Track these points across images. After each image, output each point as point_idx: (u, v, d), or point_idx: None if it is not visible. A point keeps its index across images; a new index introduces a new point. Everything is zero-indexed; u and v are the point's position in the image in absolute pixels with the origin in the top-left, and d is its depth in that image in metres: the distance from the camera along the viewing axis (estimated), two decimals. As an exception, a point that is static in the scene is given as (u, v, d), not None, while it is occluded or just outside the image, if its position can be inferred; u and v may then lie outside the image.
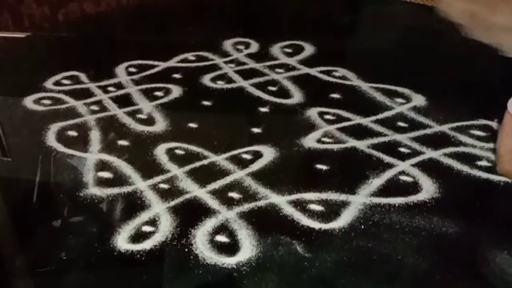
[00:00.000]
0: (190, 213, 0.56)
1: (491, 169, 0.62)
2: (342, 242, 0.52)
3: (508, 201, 0.58)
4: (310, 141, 0.68)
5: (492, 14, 0.78)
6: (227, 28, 0.99)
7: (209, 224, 0.55)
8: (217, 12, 1.09)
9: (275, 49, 0.90)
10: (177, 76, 0.83)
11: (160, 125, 0.71)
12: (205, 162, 0.64)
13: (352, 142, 0.67)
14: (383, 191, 0.59)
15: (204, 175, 0.61)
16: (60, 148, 0.67)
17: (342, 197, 0.58)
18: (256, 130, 0.70)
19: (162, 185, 0.60)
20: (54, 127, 0.71)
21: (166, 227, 0.54)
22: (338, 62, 0.83)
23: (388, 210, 0.56)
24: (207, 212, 0.56)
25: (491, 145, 0.66)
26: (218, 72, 0.84)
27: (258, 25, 1.03)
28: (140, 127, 0.71)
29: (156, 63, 0.87)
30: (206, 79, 0.82)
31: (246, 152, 0.66)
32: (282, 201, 0.58)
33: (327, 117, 0.72)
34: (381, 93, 0.77)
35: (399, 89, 0.78)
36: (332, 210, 0.56)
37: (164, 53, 0.89)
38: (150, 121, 0.72)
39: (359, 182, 0.60)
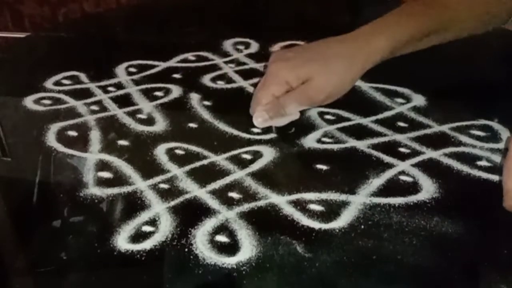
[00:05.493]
0: (190, 213, 0.56)
1: (491, 169, 0.62)
2: (342, 242, 0.52)
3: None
4: (310, 141, 0.68)
5: None
6: (227, 28, 0.99)
7: (209, 224, 0.55)
8: (217, 12, 1.09)
9: (275, 49, 0.90)
10: (177, 76, 0.83)
11: (160, 125, 0.71)
12: (205, 162, 0.64)
13: (352, 142, 0.67)
14: (383, 191, 0.59)
15: (204, 175, 0.61)
16: (60, 148, 0.67)
17: (342, 197, 0.58)
18: (256, 130, 0.70)
19: (162, 185, 0.60)
20: (54, 127, 0.71)
21: (166, 227, 0.54)
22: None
23: (388, 210, 0.56)
24: (207, 212, 0.56)
25: (491, 145, 0.66)
26: (218, 72, 0.84)
27: (258, 25, 1.03)
28: (140, 127, 0.71)
29: (156, 63, 0.87)
30: (206, 79, 0.82)
31: (246, 152, 0.66)
32: (282, 201, 0.57)
33: (327, 117, 0.72)
34: (381, 93, 0.77)
35: (399, 89, 0.78)
36: (332, 210, 0.56)
37: (164, 53, 0.89)
38: (150, 121, 0.72)
39: (359, 182, 0.60)
